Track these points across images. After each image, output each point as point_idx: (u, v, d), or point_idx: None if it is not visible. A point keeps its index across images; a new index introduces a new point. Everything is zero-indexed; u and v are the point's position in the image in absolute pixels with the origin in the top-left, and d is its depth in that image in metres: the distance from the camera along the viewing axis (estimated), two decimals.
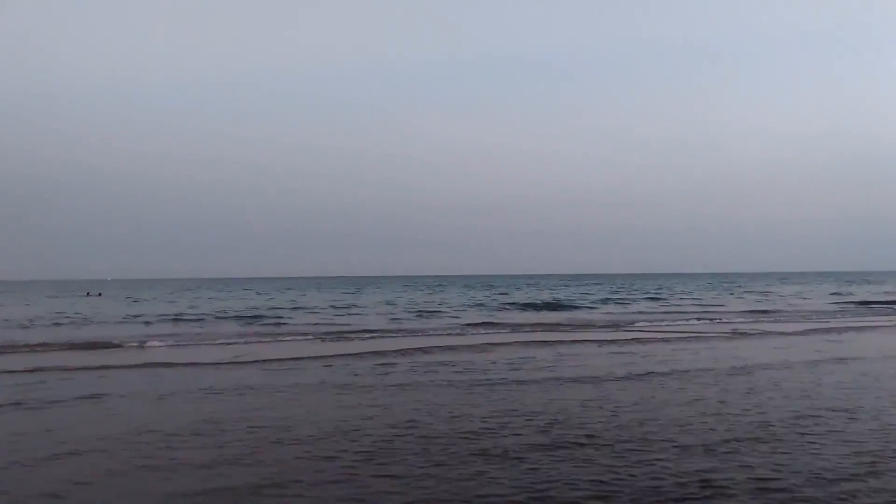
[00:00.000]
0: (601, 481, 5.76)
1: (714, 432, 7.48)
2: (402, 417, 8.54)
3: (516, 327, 25.76)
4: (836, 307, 37.66)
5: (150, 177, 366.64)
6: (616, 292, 62.88)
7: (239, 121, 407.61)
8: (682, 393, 10.11)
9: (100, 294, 68.94)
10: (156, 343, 20.05)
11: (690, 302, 44.91)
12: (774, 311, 33.91)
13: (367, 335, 22.48)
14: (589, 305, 41.93)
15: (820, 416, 8.24)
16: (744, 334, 21.30)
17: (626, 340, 19.20)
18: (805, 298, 47.75)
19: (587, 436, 7.39)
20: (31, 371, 13.56)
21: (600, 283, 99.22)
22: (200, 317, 32.85)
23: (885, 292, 55.64)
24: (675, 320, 28.82)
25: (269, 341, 20.74)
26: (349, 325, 27.88)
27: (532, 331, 23.96)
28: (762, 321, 27.81)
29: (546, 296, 55.00)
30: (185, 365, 14.46)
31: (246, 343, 20.12)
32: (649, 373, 12.25)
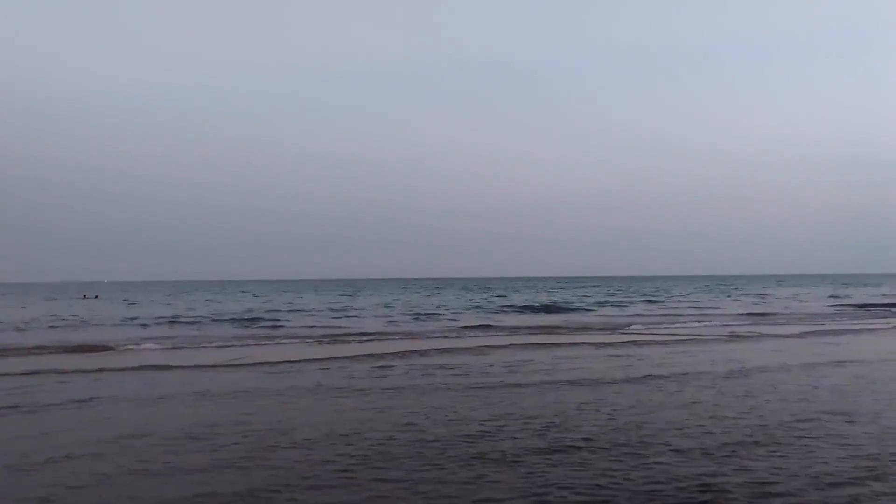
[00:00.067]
0: (598, 485, 5.73)
1: (712, 435, 7.46)
2: (399, 421, 8.50)
3: (513, 330, 25.74)
4: (833, 310, 37.70)
5: (146, 179, 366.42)
6: (613, 295, 62.91)
7: (234, 122, 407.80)
8: (679, 396, 10.09)
9: (96, 296, 68.77)
10: (151, 346, 19.98)
11: (687, 304, 44.93)
12: (771, 314, 33.94)
13: (364, 338, 22.44)
14: (586, 308, 41.92)
15: (819, 420, 8.22)
16: (741, 337, 21.30)
17: (624, 343, 19.18)
18: (802, 301, 47.81)
19: (584, 439, 7.36)
20: (27, 374, 13.51)
21: (597, 286, 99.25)
22: (197, 319, 32.78)
23: (883, 295, 55.73)
24: (672, 323, 28.82)
25: (265, 344, 20.68)
26: (346, 327, 27.83)
27: (529, 333, 23.94)
28: (759, 324, 27.83)
29: (543, 298, 55.01)
30: (181, 368, 14.41)
31: (242, 346, 20.06)
32: (646, 376, 12.23)
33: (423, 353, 16.94)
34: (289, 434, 7.82)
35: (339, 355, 16.48)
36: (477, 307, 43.44)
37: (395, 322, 31.04)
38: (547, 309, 41.17)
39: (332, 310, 41.06)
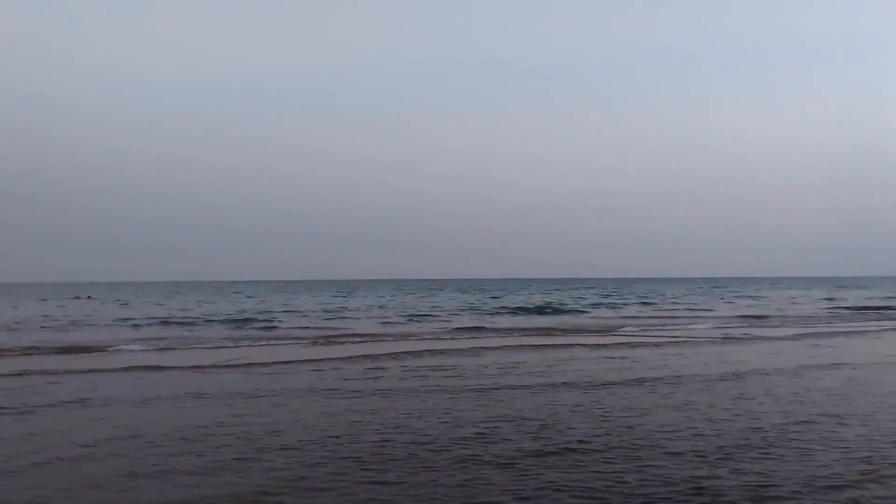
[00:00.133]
0: (593, 487, 5.70)
1: (706, 438, 7.44)
2: (393, 422, 8.46)
3: (508, 331, 25.72)
4: (827, 312, 37.81)
5: (139, 179, 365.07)
6: (607, 296, 62.99)
7: (231, 122, 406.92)
8: (673, 398, 10.07)
9: (89, 297, 68.46)
10: (143, 346, 19.87)
11: (681, 306, 45.01)
12: (765, 316, 34.02)
13: (358, 339, 22.38)
14: (580, 309, 41.95)
15: (813, 422, 8.22)
16: (735, 339, 21.33)
17: (617, 345, 19.17)
18: (796, 303, 47.94)
19: (578, 441, 7.33)
20: (18, 375, 13.41)
21: (592, 287, 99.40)
22: (190, 320, 32.65)
23: (877, 297, 55.96)
24: (666, 325, 28.85)
25: (258, 345, 20.60)
26: (340, 328, 27.77)
27: (523, 335, 23.92)
28: (753, 326, 27.88)
29: (538, 300, 55.02)
30: (173, 369, 14.32)
31: (235, 347, 19.97)
32: (640, 378, 12.22)
33: (416, 354, 16.90)
34: (281, 436, 7.77)
35: (333, 356, 16.42)
36: (471, 308, 43.42)
37: (389, 323, 30.98)
38: (541, 310, 41.18)
39: (326, 311, 40.96)
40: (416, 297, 65.89)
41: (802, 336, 22.06)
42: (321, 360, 15.73)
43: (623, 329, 26.26)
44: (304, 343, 21.04)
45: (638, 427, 8.05)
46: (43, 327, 28.49)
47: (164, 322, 31.19)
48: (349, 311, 41.37)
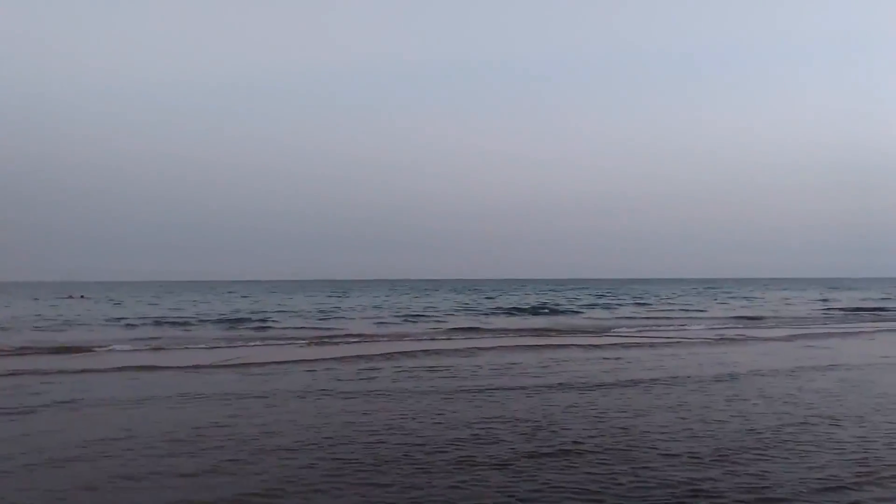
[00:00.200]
0: (587, 489, 5.69)
1: (701, 439, 7.43)
2: (387, 424, 8.43)
3: (502, 332, 25.71)
4: (821, 313, 37.94)
5: (132, 178, 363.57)
6: (602, 297, 63.06)
7: (228, 122, 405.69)
8: (667, 399, 10.07)
9: (82, 296, 68.17)
10: (136, 346, 19.78)
11: (676, 307, 45.09)
12: (760, 317, 34.11)
13: (353, 339, 22.33)
14: (575, 310, 41.99)
15: (808, 423, 8.23)
16: (729, 340, 21.37)
17: (612, 345, 19.18)
18: (790, 304, 48.09)
19: (573, 442, 7.32)
20: (9, 375, 13.31)
21: (587, 288, 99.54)
22: (183, 320, 32.53)
23: (871, 299, 56.18)
24: (660, 325, 28.89)
25: (252, 345, 20.53)
26: (334, 328, 27.71)
27: (518, 335, 23.92)
28: (748, 327, 27.95)
29: (533, 300, 55.05)
30: (166, 369, 14.25)
31: (229, 347, 19.90)
32: (635, 378, 12.22)
33: (411, 354, 16.87)
34: (275, 437, 7.73)
35: (327, 356, 16.38)
36: (466, 309, 43.41)
37: (383, 323, 30.94)
38: (536, 311, 41.21)
39: (320, 311, 40.88)
40: (410, 297, 65.82)
41: (796, 337, 22.12)
42: (315, 360, 15.68)
43: (618, 330, 26.29)
44: (299, 343, 20.98)
45: (633, 428, 8.04)
46: (35, 327, 28.33)
47: (158, 322, 31.07)
48: (344, 311, 41.30)
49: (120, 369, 14.15)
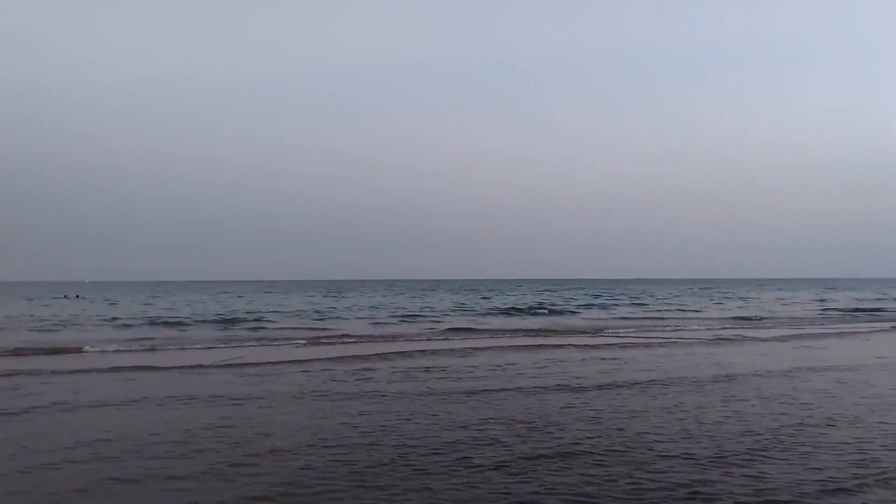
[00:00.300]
0: (584, 492, 5.65)
1: (698, 440, 7.41)
2: (383, 425, 8.38)
3: (499, 332, 25.67)
4: (817, 314, 38.00)
5: (131, 177, 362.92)
6: (599, 297, 63.12)
7: (226, 121, 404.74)
8: (664, 399, 10.05)
9: (78, 296, 67.97)
10: (131, 347, 19.69)
11: (672, 307, 45.13)
12: (756, 318, 34.14)
13: (349, 340, 22.27)
14: (572, 310, 41.99)
15: (805, 424, 8.21)
16: (726, 340, 21.37)
17: (608, 346, 19.17)
18: (787, 305, 48.17)
19: (570, 443, 7.28)
20: (3, 376, 13.22)
21: (583, 288, 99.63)
22: (178, 320, 32.42)
23: (867, 299, 56.31)
24: (657, 326, 28.89)
25: (248, 346, 20.46)
26: (330, 328, 27.65)
27: (515, 336, 23.89)
28: (744, 327, 27.97)
29: (529, 300, 55.07)
30: (161, 369, 14.17)
31: (224, 347, 19.82)
32: (631, 379, 12.19)
33: (407, 355, 16.82)
34: (270, 439, 7.68)
35: (323, 357, 16.32)
36: (463, 309, 43.37)
37: (380, 324, 30.88)
38: (532, 311, 41.20)
39: (316, 311, 40.81)
40: (407, 297, 65.78)
41: (793, 337, 22.14)
42: (311, 360, 15.62)
43: (614, 330, 26.28)
44: (295, 344, 20.91)
45: (630, 429, 8.01)
46: (32, 328, 28.21)
47: (153, 322, 30.96)
48: (340, 311, 41.23)
49: (114, 370, 14.07)
